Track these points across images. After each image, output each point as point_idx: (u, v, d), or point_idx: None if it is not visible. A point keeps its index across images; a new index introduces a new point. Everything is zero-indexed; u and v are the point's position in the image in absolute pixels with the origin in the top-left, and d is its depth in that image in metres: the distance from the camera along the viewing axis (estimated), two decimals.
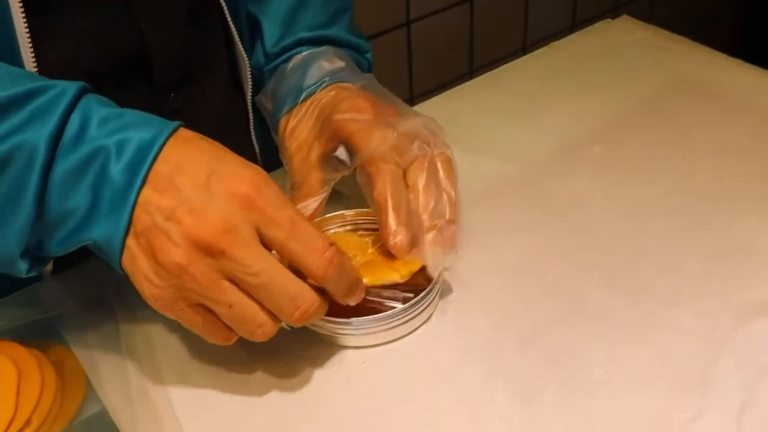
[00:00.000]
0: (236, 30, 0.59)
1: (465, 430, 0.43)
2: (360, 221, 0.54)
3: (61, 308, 0.51)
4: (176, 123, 0.43)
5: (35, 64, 0.47)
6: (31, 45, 0.47)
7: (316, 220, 0.53)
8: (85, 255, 0.56)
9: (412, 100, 1.32)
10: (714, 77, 0.72)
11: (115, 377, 0.47)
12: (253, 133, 0.64)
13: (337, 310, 0.46)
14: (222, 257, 0.39)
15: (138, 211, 0.40)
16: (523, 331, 0.48)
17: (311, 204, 0.52)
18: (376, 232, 0.51)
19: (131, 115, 0.43)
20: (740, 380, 0.45)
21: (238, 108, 0.63)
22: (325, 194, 0.52)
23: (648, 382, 0.45)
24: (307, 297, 0.41)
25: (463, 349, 0.48)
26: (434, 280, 0.49)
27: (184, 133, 0.43)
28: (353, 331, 0.47)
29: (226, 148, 0.44)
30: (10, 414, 0.42)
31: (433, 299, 0.49)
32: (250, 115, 0.63)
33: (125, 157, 0.40)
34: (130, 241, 0.41)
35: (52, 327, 0.49)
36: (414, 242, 0.48)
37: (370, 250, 0.50)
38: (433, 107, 0.71)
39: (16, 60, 0.47)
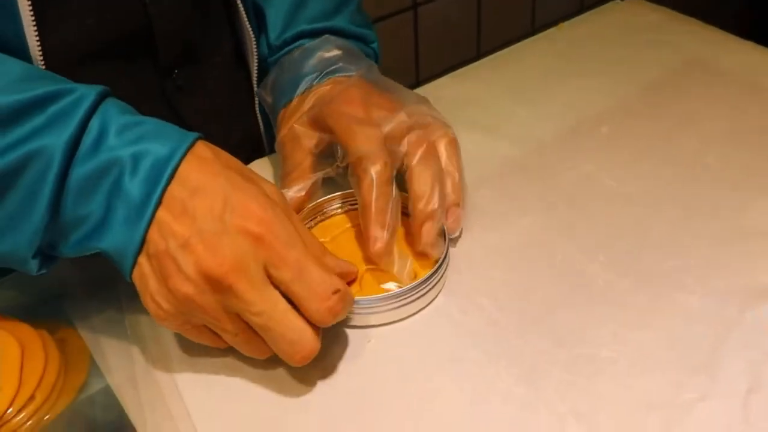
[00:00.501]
0: (243, 7, 0.58)
1: (468, 410, 0.43)
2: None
3: (66, 287, 0.51)
4: (193, 136, 0.42)
5: (39, 43, 0.47)
6: (34, 23, 0.46)
7: (316, 202, 0.53)
8: None
9: (418, 84, 1.31)
10: (725, 60, 0.71)
11: (119, 356, 0.47)
12: (258, 112, 0.64)
13: None
14: (229, 293, 0.40)
15: (153, 231, 0.40)
16: (528, 312, 0.48)
17: (302, 188, 0.52)
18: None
19: (149, 123, 0.42)
20: (747, 363, 0.44)
21: (243, 87, 0.63)
22: (316, 179, 0.52)
23: (654, 364, 0.45)
24: (307, 343, 0.41)
25: (468, 329, 0.47)
26: (440, 261, 0.48)
27: (201, 149, 0.42)
28: (359, 310, 0.47)
29: (242, 168, 0.44)
30: (13, 390, 0.42)
31: (440, 279, 0.49)
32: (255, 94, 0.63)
33: (140, 172, 0.40)
34: (142, 259, 0.41)
35: (56, 305, 0.49)
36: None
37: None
38: (439, 88, 0.70)
39: (20, 40, 0.46)
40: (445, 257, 0.49)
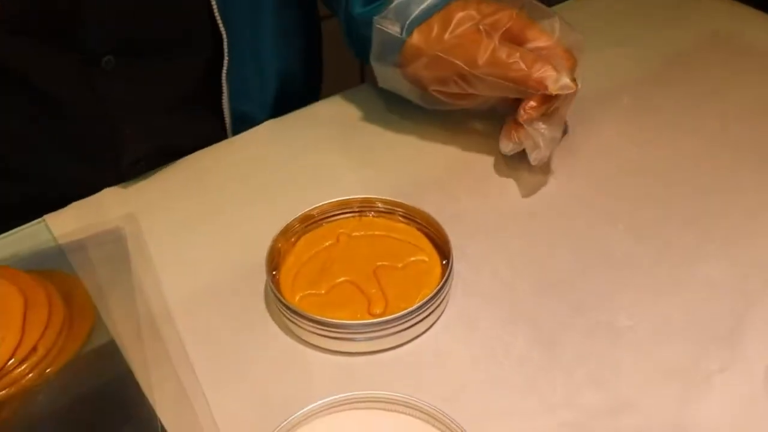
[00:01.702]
0: (216, 4, 0.53)
1: (484, 374, 0.42)
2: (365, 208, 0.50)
3: (71, 238, 0.50)
4: None
5: None
6: None
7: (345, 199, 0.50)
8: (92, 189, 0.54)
9: None
10: (747, 33, 0.70)
11: (123, 309, 0.46)
12: (224, 101, 0.59)
13: None
14: None
15: None
16: (545, 277, 0.47)
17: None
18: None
19: None
20: None
21: (206, 79, 0.58)
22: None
23: (673, 334, 0.43)
24: None
25: (484, 293, 0.46)
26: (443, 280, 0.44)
27: None
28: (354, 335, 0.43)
29: None
30: (15, 341, 0.41)
31: (442, 300, 0.45)
32: (224, 85, 0.58)
33: None
34: None
35: (61, 257, 0.48)
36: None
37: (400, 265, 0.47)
38: None
39: None
40: (448, 277, 0.45)
